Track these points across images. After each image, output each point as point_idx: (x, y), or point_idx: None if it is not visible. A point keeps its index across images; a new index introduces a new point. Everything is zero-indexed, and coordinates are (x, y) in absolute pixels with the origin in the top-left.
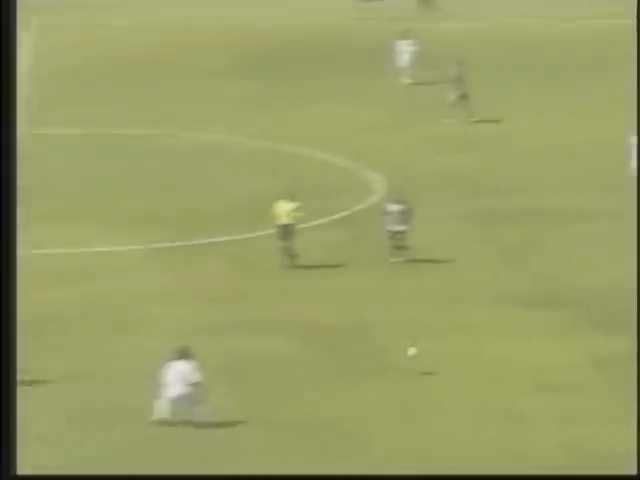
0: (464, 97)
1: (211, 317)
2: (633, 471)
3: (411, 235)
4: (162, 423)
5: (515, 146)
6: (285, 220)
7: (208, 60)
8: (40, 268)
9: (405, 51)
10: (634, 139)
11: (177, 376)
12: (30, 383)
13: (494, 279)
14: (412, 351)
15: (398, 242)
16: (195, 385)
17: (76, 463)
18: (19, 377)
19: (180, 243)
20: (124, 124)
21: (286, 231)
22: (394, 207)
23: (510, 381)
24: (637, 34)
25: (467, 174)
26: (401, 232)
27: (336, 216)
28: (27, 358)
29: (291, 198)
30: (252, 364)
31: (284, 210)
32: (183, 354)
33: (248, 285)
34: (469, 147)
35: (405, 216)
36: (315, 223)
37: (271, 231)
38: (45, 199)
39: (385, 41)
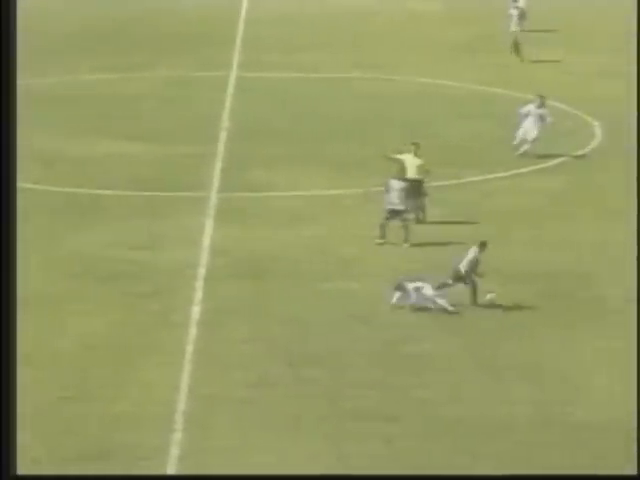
0: None
1: (423, 262)
2: (633, 471)
3: None
4: None
5: None
6: (412, 175)
7: (425, 6)
8: (258, 212)
9: None
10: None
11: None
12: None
13: None
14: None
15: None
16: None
17: None
18: None
19: None
20: (337, 68)
21: (414, 187)
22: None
23: None
24: (637, 32)
25: None
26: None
27: (555, 161)
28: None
29: (416, 152)
30: (465, 308)
31: (412, 164)
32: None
33: (464, 231)
34: None
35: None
36: (534, 168)
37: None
38: (262, 142)
39: None
